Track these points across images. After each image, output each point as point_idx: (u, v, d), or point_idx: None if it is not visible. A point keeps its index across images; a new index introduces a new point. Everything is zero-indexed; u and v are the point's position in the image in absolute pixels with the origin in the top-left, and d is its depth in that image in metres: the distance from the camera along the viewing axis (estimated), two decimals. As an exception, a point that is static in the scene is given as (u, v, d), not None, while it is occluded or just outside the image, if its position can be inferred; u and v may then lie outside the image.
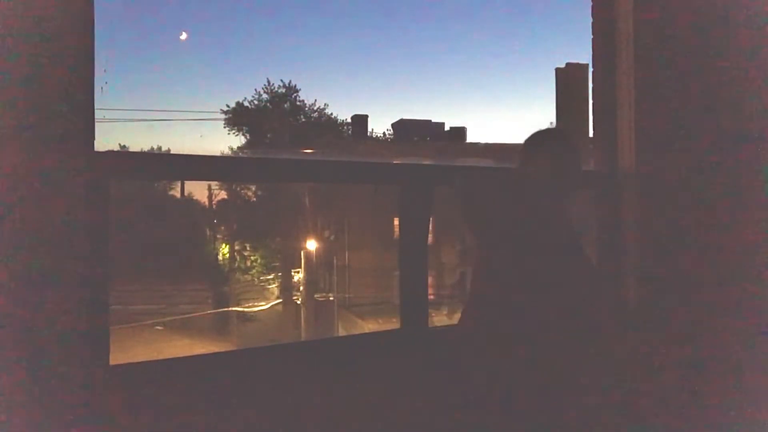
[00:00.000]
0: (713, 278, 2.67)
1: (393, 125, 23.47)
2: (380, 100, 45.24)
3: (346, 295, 17.90)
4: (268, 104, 25.01)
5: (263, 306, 20.59)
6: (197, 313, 18.74)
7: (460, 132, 22.51)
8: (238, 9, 36.69)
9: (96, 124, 1.66)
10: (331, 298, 18.27)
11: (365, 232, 16.93)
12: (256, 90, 27.16)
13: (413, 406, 2.03)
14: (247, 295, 21.19)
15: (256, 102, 24.94)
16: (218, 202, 24.49)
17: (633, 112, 2.51)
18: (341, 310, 17.54)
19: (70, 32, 1.58)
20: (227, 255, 23.26)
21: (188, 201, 24.29)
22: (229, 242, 23.47)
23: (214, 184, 22.52)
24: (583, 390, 2.10)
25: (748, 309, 2.75)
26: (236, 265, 22.89)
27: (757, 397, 2.71)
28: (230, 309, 19.52)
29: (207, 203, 24.12)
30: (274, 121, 23.81)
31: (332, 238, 19.38)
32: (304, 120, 25.20)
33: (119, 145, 20.03)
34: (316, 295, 18.78)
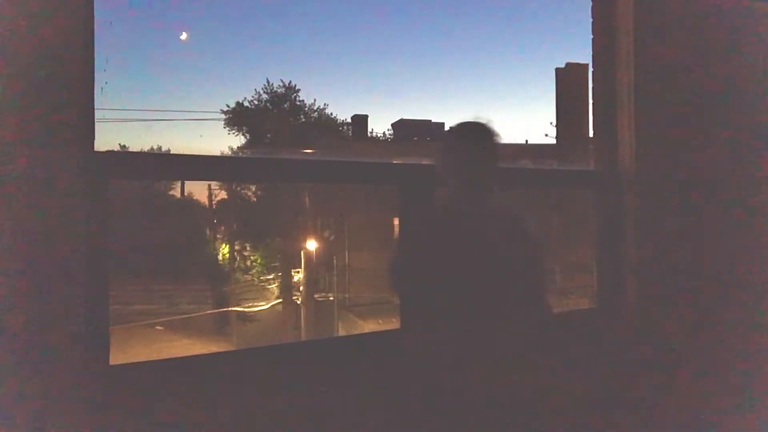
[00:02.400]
0: (713, 277, 2.67)
1: (393, 125, 23.49)
2: (380, 100, 45.21)
3: (346, 295, 17.89)
4: (268, 104, 25.01)
5: (263, 306, 20.58)
6: (197, 313, 18.73)
7: (460, 132, 22.46)
8: (237, 9, 36.66)
9: (96, 124, 1.67)
10: (331, 298, 18.25)
11: (365, 232, 16.91)
12: (256, 90, 27.18)
13: (412, 406, 2.03)
14: (247, 295, 21.17)
15: (256, 102, 24.95)
16: (218, 202, 24.46)
17: (633, 112, 2.51)
18: (341, 310, 17.54)
19: (70, 32, 1.58)
20: (227, 255, 23.23)
21: (188, 201, 24.27)
22: (229, 242, 23.44)
23: (214, 184, 22.52)
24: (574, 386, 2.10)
25: (748, 307, 2.75)
26: (236, 265, 22.86)
27: (757, 396, 2.71)
28: (230, 309, 19.51)
29: (207, 203, 24.10)
30: (274, 121, 23.78)
31: (332, 238, 19.37)
32: (304, 120, 25.18)
33: (119, 145, 20.01)
34: (316, 295, 18.77)
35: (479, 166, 1.89)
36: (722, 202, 2.69)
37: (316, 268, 19.28)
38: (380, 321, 14.55)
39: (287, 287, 21.28)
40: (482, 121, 1.90)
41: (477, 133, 1.90)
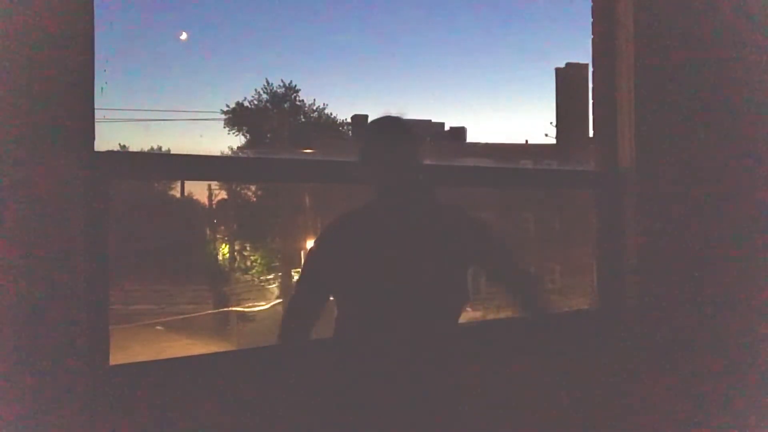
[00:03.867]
0: (713, 278, 2.67)
1: (393, 125, 23.41)
2: (380, 100, 45.14)
3: (346, 295, 17.86)
4: (268, 104, 25.01)
5: (263, 306, 20.56)
6: (197, 313, 18.71)
7: (460, 132, 22.55)
8: (237, 9, 36.64)
9: (96, 124, 1.67)
10: (331, 298, 18.22)
11: (365, 232, 16.88)
12: (256, 90, 27.14)
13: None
14: (247, 295, 21.15)
15: (256, 102, 24.94)
16: (218, 202, 24.44)
17: (633, 112, 2.51)
18: (341, 310, 17.50)
19: (71, 32, 1.58)
20: (227, 255, 23.22)
21: (188, 201, 24.27)
22: (229, 242, 23.42)
23: (214, 184, 22.49)
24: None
25: (749, 308, 2.75)
26: (236, 265, 22.85)
27: (757, 398, 2.71)
28: (230, 309, 19.49)
29: (207, 203, 24.08)
30: (274, 121, 23.79)
31: (332, 238, 19.33)
32: (304, 120, 25.18)
33: (119, 145, 19.96)
34: (316, 295, 18.73)
35: (405, 161, 1.81)
36: (723, 202, 2.69)
37: (316, 268, 19.26)
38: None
39: (287, 287, 21.26)
40: (397, 114, 1.82)
41: (396, 128, 1.81)
